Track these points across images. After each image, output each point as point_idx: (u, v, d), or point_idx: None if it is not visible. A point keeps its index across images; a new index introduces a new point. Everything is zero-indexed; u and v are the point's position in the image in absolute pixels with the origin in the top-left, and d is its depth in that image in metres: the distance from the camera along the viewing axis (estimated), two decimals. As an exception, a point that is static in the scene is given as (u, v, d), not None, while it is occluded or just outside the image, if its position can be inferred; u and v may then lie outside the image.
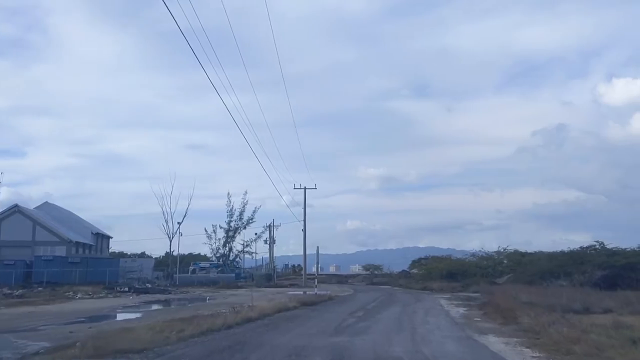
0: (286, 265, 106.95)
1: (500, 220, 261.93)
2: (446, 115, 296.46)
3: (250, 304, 24.75)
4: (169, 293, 39.99)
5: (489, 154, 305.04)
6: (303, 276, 57.17)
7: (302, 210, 57.40)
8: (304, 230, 57.07)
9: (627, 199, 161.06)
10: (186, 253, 78.91)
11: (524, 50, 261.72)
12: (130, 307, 27.06)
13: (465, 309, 24.46)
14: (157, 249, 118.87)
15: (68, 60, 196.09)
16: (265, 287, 51.70)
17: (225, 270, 62.72)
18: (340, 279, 77.18)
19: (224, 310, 19.81)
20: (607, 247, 33.47)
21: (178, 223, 57.55)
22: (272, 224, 70.27)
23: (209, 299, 33.41)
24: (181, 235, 58.33)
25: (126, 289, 39.75)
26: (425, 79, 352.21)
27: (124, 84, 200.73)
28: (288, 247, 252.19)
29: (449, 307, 26.13)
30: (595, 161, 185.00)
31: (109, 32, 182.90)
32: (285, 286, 53.87)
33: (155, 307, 27.91)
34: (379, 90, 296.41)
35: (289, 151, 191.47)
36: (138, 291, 39.35)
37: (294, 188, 56.88)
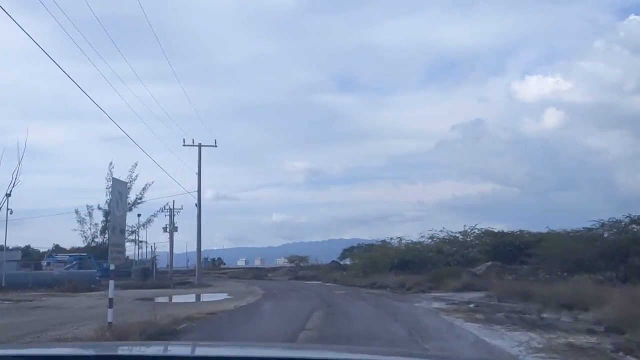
0: (205, 259, 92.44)
1: (422, 211, 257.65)
2: (371, 109, 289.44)
3: None
4: None
5: (411, 148, 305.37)
6: (196, 272, 40.04)
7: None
8: (199, 205, 40.16)
9: (537, 190, 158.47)
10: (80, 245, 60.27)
11: (444, 47, 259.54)
12: None
13: None
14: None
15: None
16: (140, 287, 35.22)
17: (91, 265, 44.60)
18: (259, 273, 62.48)
19: None
20: None
21: (7, 195, 38.35)
22: (172, 208, 53.11)
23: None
24: (11, 213, 38.89)
25: None
26: (350, 74, 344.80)
27: (35, 71, 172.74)
28: (212, 241, 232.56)
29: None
30: (510, 155, 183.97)
31: (18, 16, 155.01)
32: (171, 287, 37.49)
33: None
34: (304, 84, 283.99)
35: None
36: None
37: (184, 145, 39.99)
